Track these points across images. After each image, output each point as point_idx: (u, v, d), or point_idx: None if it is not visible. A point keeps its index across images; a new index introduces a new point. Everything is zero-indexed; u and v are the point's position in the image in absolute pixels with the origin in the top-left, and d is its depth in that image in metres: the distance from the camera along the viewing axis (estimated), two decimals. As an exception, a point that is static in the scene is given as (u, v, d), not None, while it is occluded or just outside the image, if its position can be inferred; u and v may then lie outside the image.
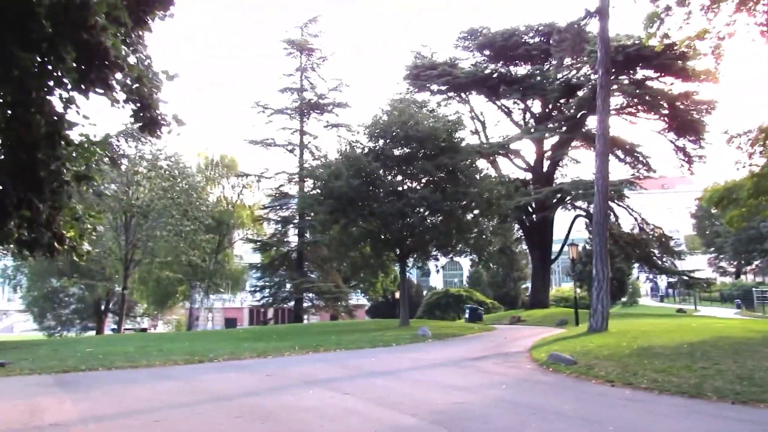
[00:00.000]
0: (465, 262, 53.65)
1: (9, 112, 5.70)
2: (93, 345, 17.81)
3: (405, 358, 13.01)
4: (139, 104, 5.73)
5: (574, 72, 35.41)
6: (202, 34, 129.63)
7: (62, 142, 5.87)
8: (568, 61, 34.38)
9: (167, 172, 34.84)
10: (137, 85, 5.65)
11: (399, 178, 24.45)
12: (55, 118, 5.75)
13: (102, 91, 5.30)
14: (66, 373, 10.72)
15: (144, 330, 65.25)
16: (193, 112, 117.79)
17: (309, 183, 32.87)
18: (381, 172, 23.67)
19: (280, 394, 8.26)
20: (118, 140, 18.68)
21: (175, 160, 36.27)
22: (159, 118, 5.88)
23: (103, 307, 49.59)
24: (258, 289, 47.73)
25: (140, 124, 5.93)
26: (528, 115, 39.35)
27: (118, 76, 5.44)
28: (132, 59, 5.76)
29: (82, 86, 5.25)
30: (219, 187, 48.80)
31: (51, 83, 5.56)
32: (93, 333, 45.72)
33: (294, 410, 7.06)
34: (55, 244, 5.91)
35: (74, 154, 6.12)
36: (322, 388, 8.73)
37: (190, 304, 50.30)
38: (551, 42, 32.94)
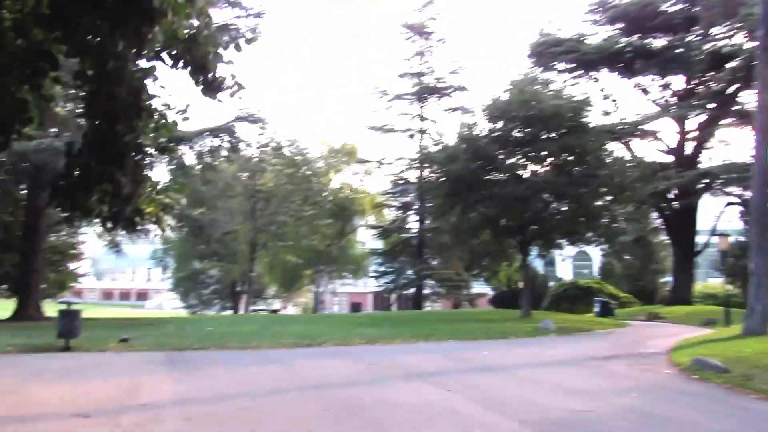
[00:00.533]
0: (595, 252, 50.25)
1: (92, 84, 5.55)
2: (217, 324, 18.52)
3: (521, 353, 11.94)
4: (192, 65, 5.34)
5: (724, 41, 31.29)
6: (323, 22, 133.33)
7: (143, 113, 5.62)
8: (715, 30, 30.54)
9: (290, 159, 35.88)
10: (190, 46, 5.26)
11: (520, 161, 22.99)
12: (135, 88, 5.51)
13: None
14: (179, 352, 10.96)
15: (275, 311, 68.78)
16: (316, 100, 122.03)
17: (427, 168, 32.19)
18: (500, 154, 22.38)
19: (378, 386, 7.67)
20: (233, 125, 19.14)
21: (298, 147, 37.31)
22: (217, 80, 5.46)
23: (238, 289, 52.40)
24: (380, 274, 48.18)
25: (201, 87, 5.54)
26: (668, 92, 35.60)
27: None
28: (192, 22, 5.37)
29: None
30: (341, 174, 49.68)
31: (129, 52, 5.30)
32: (230, 312, 48.64)
33: (388, 406, 6.41)
34: (136, 218, 5.71)
35: (154, 125, 5.86)
36: (424, 382, 8.02)
37: (316, 288, 51.92)
38: (697, 7, 29.43)
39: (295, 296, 66.06)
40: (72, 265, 32.32)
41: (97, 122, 5.43)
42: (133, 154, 5.63)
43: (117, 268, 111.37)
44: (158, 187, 6.18)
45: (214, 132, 19.13)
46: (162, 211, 6.32)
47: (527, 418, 5.96)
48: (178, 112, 5.93)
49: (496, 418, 6.00)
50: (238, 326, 17.49)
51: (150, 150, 5.77)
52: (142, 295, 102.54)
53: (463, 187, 21.86)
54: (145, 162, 5.71)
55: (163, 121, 5.75)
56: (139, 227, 5.97)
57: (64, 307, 10.92)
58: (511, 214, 22.34)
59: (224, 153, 21.16)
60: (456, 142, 23.43)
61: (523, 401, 6.87)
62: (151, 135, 5.75)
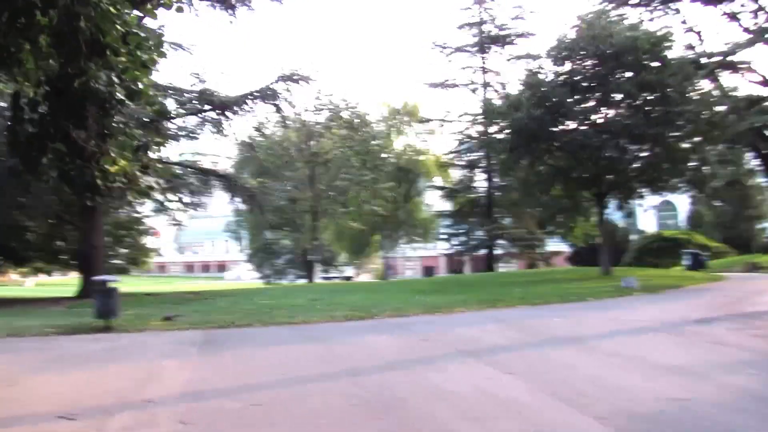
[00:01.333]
0: (682, 200, 46.46)
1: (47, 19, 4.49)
2: (273, 297, 17.92)
3: (601, 319, 10.42)
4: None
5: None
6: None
7: (107, 52, 4.51)
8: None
9: (347, 122, 34.77)
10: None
11: (591, 104, 20.76)
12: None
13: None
14: (221, 329, 10.20)
15: (348, 278, 69.15)
16: (374, 61, 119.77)
17: (491, 122, 30.24)
18: (568, 98, 20.26)
19: (425, 369, 6.48)
20: (275, 86, 18.16)
21: (355, 109, 36.06)
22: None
23: (309, 257, 52.14)
24: (449, 237, 46.84)
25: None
26: (762, 16, 31.48)
27: None
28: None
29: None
30: (403, 135, 48.16)
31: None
32: (303, 281, 48.87)
33: (431, 398, 5.22)
34: (99, 182, 4.67)
35: (122, 67, 4.75)
36: (481, 362, 6.78)
37: (385, 254, 51.28)
38: None
39: (366, 263, 66.00)
40: (145, 240, 32.99)
41: (50, 61, 4.38)
42: (99, 104, 4.57)
43: (197, 241, 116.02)
44: (135, 143, 5.09)
45: (259, 95, 18.22)
46: (139, 171, 5.28)
47: (607, 411, 4.61)
48: (151, 48, 4.79)
49: (567, 413, 4.68)
50: (294, 298, 16.79)
51: (120, 97, 4.67)
52: (222, 267, 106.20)
53: (529, 138, 20.00)
54: (112, 112, 4.65)
55: (132, 57, 4.64)
56: (106, 193, 4.98)
57: (99, 285, 10.36)
58: (584, 164, 20.32)
59: (272, 117, 20.44)
60: (520, 91, 21.50)
61: (605, 386, 5.49)
62: (118, 79, 4.68)
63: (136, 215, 27.42)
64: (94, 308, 10.27)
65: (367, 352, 7.61)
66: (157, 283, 76.09)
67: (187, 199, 19.70)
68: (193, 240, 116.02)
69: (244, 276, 79.26)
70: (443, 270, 72.65)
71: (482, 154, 41.05)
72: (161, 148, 6.47)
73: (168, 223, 21.39)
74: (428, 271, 73.58)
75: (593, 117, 20.39)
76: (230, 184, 19.15)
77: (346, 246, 51.76)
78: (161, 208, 21.92)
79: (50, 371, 6.74)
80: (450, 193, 45.37)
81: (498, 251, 42.78)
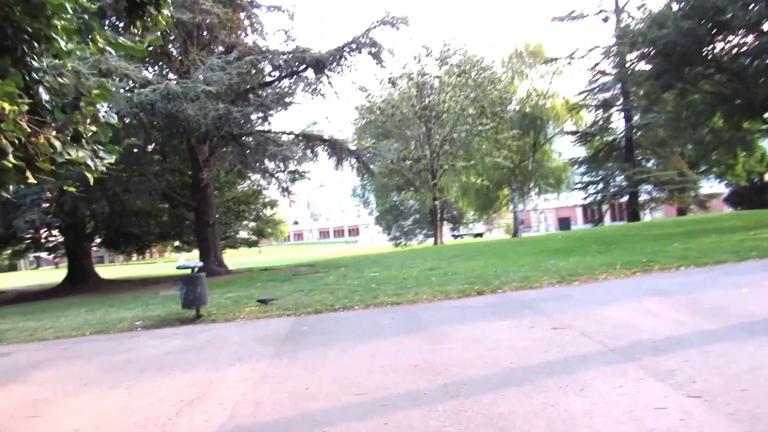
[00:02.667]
0: None
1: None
2: (389, 266, 16.48)
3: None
4: None
5: None
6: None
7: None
8: None
9: (458, 68, 32.07)
10: None
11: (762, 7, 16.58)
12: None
13: None
14: (314, 315, 8.85)
15: (478, 235, 66.93)
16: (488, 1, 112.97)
17: (629, 48, 26.18)
18: (731, 4, 16.28)
19: (558, 385, 4.47)
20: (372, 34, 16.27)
21: (468, 54, 33.20)
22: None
23: (439, 216, 50.44)
24: (585, 185, 42.93)
25: None
26: None
27: None
28: None
29: None
30: (527, 79, 44.27)
31: None
32: (430, 241, 47.57)
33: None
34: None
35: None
36: (645, 370, 4.61)
37: (514, 208, 48.32)
38: None
39: (496, 218, 63.30)
40: (269, 212, 33.33)
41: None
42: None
43: (330, 208, 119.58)
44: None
45: (355, 46, 16.51)
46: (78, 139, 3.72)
47: None
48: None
49: None
50: (410, 267, 15.21)
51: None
52: (354, 231, 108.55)
53: (679, 61, 16.48)
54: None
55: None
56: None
57: (185, 273, 9.41)
58: (753, 86, 16.41)
59: (377, 74, 18.61)
60: (666, 3, 17.81)
61: None
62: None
63: (255, 188, 27.42)
64: (181, 298, 9.38)
65: (478, 351, 5.72)
66: (294, 250, 79.27)
67: (293, 167, 18.80)
68: (326, 207, 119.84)
69: (376, 239, 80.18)
70: (580, 221, 68.01)
71: (618, 90, 36.61)
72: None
73: (280, 193, 20.69)
74: (563, 223, 69.11)
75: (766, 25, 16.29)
76: (335, 148, 17.82)
77: (473, 202, 49.49)
78: (270, 181, 21.25)
79: (96, 388, 5.66)
80: (583, 138, 41.28)
81: (642, 197, 38.29)
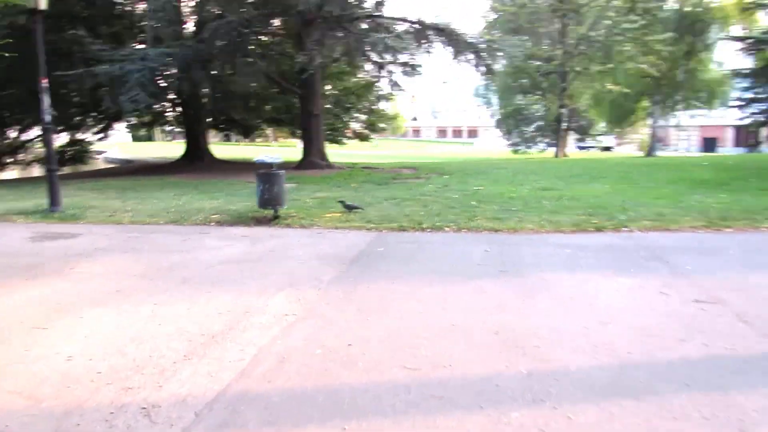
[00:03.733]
0: None
1: None
2: (497, 179, 14.84)
3: None
4: None
5: None
6: None
7: None
8: None
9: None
10: None
11: None
12: None
13: None
14: (397, 233, 7.69)
15: (607, 149, 61.73)
16: None
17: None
18: None
19: (695, 397, 2.98)
20: None
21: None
22: None
23: (565, 126, 46.65)
24: (745, 102, 37.07)
25: None
26: None
27: None
28: None
29: None
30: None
31: None
32: (552, 151, 44.37)
33: None
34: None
35: None
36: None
37: (653, 123, 43.35)
38: None
39: (629, 132, 57.89)
40: (383, 106, 32.07)
41: None
42: None
43: (450, 106, 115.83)
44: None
45: None
46: None
47: None
48: None
49: None
50: (521, 183, 13.53)
51: None
52: (472, 132, 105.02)
53: None
54: None
55: None
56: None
57: (262, 168, 8.52)
58: None
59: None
60: None
61: None
62: None
63: (368, 81, 26.02)
64: (257, 195, 8.57)
65: (585, 321, 4.26)
66: (408, 146, 78.21)
67: (405, 58, 17.07)
68: (447, 105, 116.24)
69: (494, 143, 76.91)
70: (730, 143, 60.48)
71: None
72: None
73: (390, 87, 19.24)
74: (708, 144, 61.89)
75: None
76: (452, 39, 15.80)
77: (606, 112, 44.99)
78: (381, 74, 19.68)
79: (124, 300, 4.95)
80: (754, 46, 34.88)
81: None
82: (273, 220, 8.56)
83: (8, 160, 25.88)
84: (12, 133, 25.50)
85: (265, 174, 8.36)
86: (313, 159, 18.08)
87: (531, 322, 4.28)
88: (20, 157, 26.18)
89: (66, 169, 26.30)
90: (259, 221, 8.59)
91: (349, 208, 9.28)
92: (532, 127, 55.81)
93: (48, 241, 7.46)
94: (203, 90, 18.43)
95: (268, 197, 8.38)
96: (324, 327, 4.22)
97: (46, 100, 9.15)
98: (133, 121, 26.62)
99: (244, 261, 6.23)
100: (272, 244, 7.10)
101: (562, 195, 10.94)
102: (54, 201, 9.39)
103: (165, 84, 15.08)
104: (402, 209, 9.45)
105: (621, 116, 45.16)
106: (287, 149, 41.29)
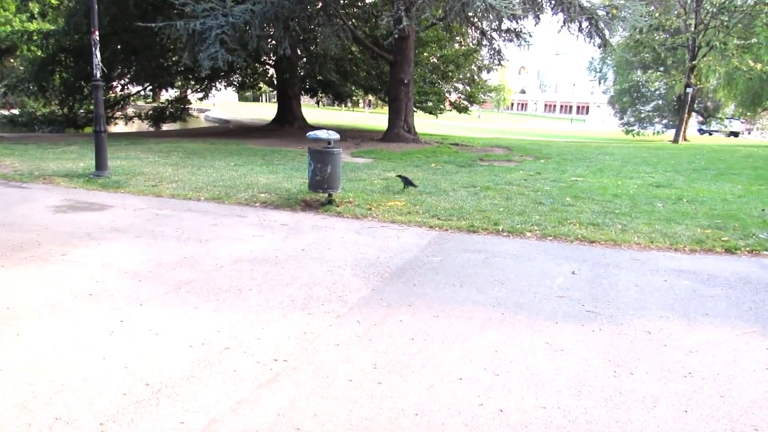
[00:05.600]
0: None
1: None
2: (602, 166, 12.82)
3: None
4: None
5: None
6: None
7: None
8: None
9: None
10: None
11: None
12: None
13: None
14: (468, 234, 6.28)
15: (734, 134, 55.27)
16: None
17: None
18: None
19: None
20: None
21: None
22: None
23: (687, 106, 42.19)
24: None
25: None
26: None
27: None
28: None
29: None
30: None
31: None
32: (671, 134, 40.23)
33: None
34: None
35: None
36: None
37: (795, 109, 37.94)
38: None
39: (762, 117, 51.69)
40: (485, 76, 30.06)
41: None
42: None
43: (560, 79, 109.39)
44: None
45: None
46: None
47: None
48: None
49: None
50: (629, 176, 11.51)
51: None
52: (582, 109, 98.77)
53: None
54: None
55: None
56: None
57: (317, 145, 7.33)
58: None
59: None
60: None
61: None
62: None
63: (469, 48, 24.13)
64: (308, 175, 7.43)
65: (711, 427, 2.75)
66: (512, 120, 74.68)
67: (506, 25, 15.16)
68: (557, 78, 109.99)
69: (605, 121, 71.70)
70: None
71: None
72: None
73: (491, 56, 17.40)
74: None
75: None
76: (564, 2, 13.70)
77: (738, 94, 39.97)
78: (482, 41, 17.81)
79: (105, 306, 3.97)
80: None
81: None
82: (324, 205, 7.41)
83: (117, 114, 26.56)
84: (117, 89, 26.11)
85: (318, 152, 7.17)
86: (398, 131, 16.74)
87: (622, 415, 2.80)
88: (124, 112, 26.83)
89: (165, 126, 26.77)
90: (309, 205, 7.46)
91: (407, 182, 8.14)
92: (649, 107, 51.23)
93: (71, 212, 6.75)
94: (296, 51, 17.47)
95: (319, 179, 7.21)
96: (313, 393, 2.97)
97: (97, 54, 8.46)
98: (222, 82, 26.43)
99: (265, 261, 5.11)
100: (309, 239, 5.94)
101: (680, 196, 8.95)
102: (100, 165, 8.79)
103: (249, 42, 14.22)
104: (479, 201, 7.98)
105: (756, 99, 39.95)
106: (379, 116, 40.13)
